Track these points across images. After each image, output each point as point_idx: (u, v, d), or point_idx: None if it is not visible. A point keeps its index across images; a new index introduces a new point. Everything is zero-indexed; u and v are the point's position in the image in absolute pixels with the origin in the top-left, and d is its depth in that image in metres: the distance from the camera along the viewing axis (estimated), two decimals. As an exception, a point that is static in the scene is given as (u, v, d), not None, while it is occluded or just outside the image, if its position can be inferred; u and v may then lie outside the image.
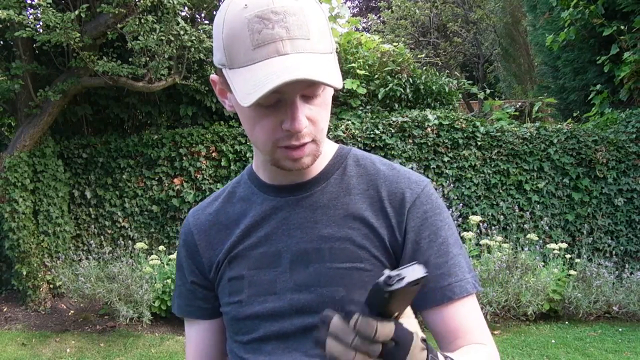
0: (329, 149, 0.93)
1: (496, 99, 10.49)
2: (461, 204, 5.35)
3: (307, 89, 0.77)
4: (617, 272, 5.13)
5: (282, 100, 0.77)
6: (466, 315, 0.87)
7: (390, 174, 0.91)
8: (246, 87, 0.73)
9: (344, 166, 0.93)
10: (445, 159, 5.39)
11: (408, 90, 6.00)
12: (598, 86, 6.81)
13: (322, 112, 0.81)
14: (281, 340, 0.87)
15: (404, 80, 5.96)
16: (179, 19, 4.62)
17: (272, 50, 0.73)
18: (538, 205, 5.42)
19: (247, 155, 5.39)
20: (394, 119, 5.41)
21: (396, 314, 0.63)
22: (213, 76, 0.86)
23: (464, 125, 5.43)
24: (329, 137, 1.12)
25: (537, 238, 5.00)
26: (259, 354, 0.88)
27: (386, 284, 0.60)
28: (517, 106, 9.23)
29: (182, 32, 4.63)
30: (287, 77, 0.70)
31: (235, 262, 0.91)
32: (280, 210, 0.90)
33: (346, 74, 5.93)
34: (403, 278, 0.60)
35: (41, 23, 4.46)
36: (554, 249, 4.90)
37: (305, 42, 0.74)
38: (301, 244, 0.88)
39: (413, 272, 0.61)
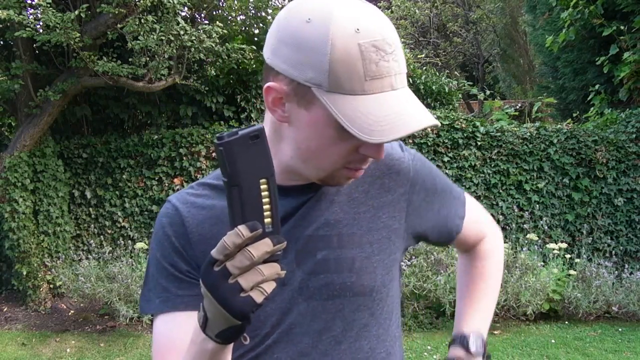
0: None
1: (496, 99, 10.48)
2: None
3: None
4: (617, 272, 5.13)
5: None
6: (473, 223, 1.04)
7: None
8: (366, 121, 0.72)
9: None
10: (445, 159, 5.39)
11: (408, 90, 5.99)
12: (597, 86, 6.82)
13: None
14: (287, 333, 0.85)
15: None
16: (179, 19, 4.61)
17: (387, 84, 0.73)
18: (538, 205, 5.42)
19: (247, 155, 5.39)
20: (394, 119, 5.41)
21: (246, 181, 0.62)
22: (273, 85, 0.77)
23: (464, 125, 5.43)
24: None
25: (537, 238, 5.00)
26: (260, 349, 0.86)
27: (218, 139, 0.58)
28: (517, 106, 9.23)
29: (182, 32, 4.63)
30: (422, 125, 0.74)
31: None
32: (285, 208, 0.88)
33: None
34: (237, 132, 0.58)
35: (41, 23, 4.46)
36: (553, 249, 4.90)
37: (404, 76, 0.77)
38: (307, 232, 0.87)
39: (249, 127, 0.60)
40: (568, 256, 5.02)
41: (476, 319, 1.06)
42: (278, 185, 0.88)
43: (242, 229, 0.63)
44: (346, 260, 0.86)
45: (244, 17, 5.81)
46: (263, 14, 5.69)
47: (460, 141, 5.40)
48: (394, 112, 0.72)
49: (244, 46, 5.23)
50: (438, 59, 14.36)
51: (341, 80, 0.72)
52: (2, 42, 5.42)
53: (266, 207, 0.64)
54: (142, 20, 4.44)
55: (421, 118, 0.75)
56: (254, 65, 5.51)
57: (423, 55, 11.71)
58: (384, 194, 0.90)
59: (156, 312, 0.87)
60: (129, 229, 5.55)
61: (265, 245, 0.63)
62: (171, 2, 4.39)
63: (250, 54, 5.26)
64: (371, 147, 0.77)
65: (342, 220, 0.88)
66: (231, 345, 0.72)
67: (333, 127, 0.75)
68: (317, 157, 0.80)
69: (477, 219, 1.07)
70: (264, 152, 0.63)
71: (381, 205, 0.90)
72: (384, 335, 0.89)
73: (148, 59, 4.81)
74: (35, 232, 5.09)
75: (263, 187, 0.63)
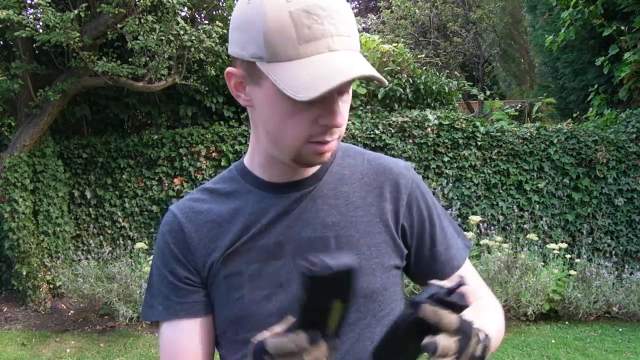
0: None
1: (496, 99, 10.49)
2: (461, 204, 5.35)
3: (346, 85, 0.78)
4: (617, 272, 5.13)
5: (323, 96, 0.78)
6: (468, 275, 0.94)
7: (380, 162, 0.95)
8: (300, 81, 0.73)
9: (336, 158, 0.94)
10: (445, 159, 5.39)
11: (408, 90, 6.00)
12: (597, 87, 6.81)
13: (346, 108, 0.82)
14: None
15: (404, 80, 5.96)
16: (179, 19, 4.61)
17: (323, 45, 0.74)
18: (538, 205, 5.42)
19: (247, 155, 5.39)
20: (394, 119, 5.41)
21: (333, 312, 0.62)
22: (230, 69, 0.83)
23: (464, 125, 5.43)
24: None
25: (537, 238, 5.00)
26: None
27: (308, 269, 0.58)
28: (517, 107, 9.23)
29: (182, 32, 4.62)
30: (354, 74, 0.72)
31: (231, 260, 0.87)
32: (280, 207, 0.89)
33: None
34: (330, 265, 0.58)
35: (41, 23, 4.46)
36: (554, 249, 4.90)
37: (349, 39, 0.76)
38: (304, 233, 0.87)
39: (340, 259, 0.59)
40: (568, 256, 5.01)
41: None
42: (270, 182, 0.90)
43: (303, 340, 0.63)
44: None
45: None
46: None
47: (461, 141, 5.40)
48: (328, 69, 0.73)
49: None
50: (438, 59, 14.36)
51: (277, 49, 0.74)
52: (2, 42, 5.42)
53: (334, 313, 0.64)
54: (142, 20, 4.43)
55: (353, 69, 0.73)
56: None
57: (423, 55, 11.71)
58: (382, 202, 0.90)
59: (160, 320, 0.90)
60: (128, 229, 5.55)
61: (319, 353, 0.64)
62: (171, 2, 4.39)
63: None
64: (326, 115, 0.78)
65: (339, 222, 0.88)
66: None
67: (285, 98, 0.76)
68: (281, 135, 0.81)
69: (477, 279, 0.99)
70: (350, 283, 0.62)
71: (379, 213, 0.90)
72: None
73: (148, 59, 4.80)
74: (35, 232, 5.08)
75: (337, 305, 0.63)
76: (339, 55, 0.74)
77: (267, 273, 0.86)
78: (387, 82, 0.77)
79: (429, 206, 0.94)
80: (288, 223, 0.87)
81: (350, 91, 0.82)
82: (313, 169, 0.91)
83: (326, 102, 0.77)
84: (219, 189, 0.93)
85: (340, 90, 0.78)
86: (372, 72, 0.74)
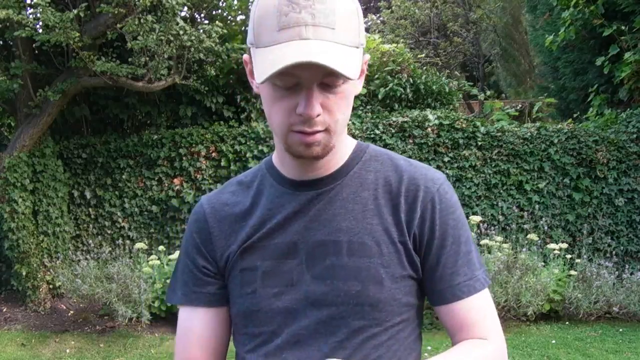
0: (348, 144, 0.94)
1: (496, 100, 10.48)
2: (461, 204, 5.34)
3: (326, 77, 0.78)
4: (617, 272, 5.13)
5: (300, 85, 0.78)
6: (473, 310, 0.89)
7: (408, 170, 0.92)
8: (263, 65, 0.76)
9: (362, 161, 0.93)
10: (446, 159, 5.38)
11: (408, 90, 5.99)
12: (597, 87, 6.81)
13: (339, 103, 0.81)
14: (293, 334, 0.86)
15: (404, 80, 5.96)
16: (178, 19, 4.60)
17: (295, 33, 0.75)
18: (538, 206, 5.41)
19: (247, 155, 5.38)
20: (394, 119, 5.41)
21: None
22: (245, 56, 0.87)
23: (464, 125, 5.42)
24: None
25: (537, 238, 4.99)
26: (269, 347, 0.87)
27: None
28: (518, 107, 9.23)
29: (181, 32, 4.62)
30: (298, 59, 0.73)
31: (248, 254, 0.90)
32: (297, 204, 0.90)
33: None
34: None
35: (40, 23, 4.45)
36: (554, 249, 4.89)
37: (329, 31, 0.76)
38: (318, 235, 0.87)
39: None
40: (569, 256, 5.01)
41: None
42: (288, 178, 0.91)
43: None
44: (353, 268, 0.85)
45: (243, 17, 5.80)
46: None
47: (461, 141, 5.39)
48: (281, 55, 0.74)
49: (244, 46, 5.22)
50: (438, 58, 14.34)
51: (261, 35, 0.78)
52: (1, 42, 5.41)
53: None
54: (142, 20, 4.43)
55: (309, 56, 0.73)
56: (254, 65, 5.46)
57: (423, 55, 11.70)
58: (399, 211, 0.89)
59: (178, 305, 0.96)
60: (128, 229, 5.55)
61: None
62: (170, 2, 4.38)
63: (250, 54, 5.25)
64: (302, 104, 0.78)
65: (353, 228, 0.88)
66: None
67: (267, 85, 0.80)
68: (271, 122, 0.84)
69: (487, 313, 0.91)
70: None
71: (395, 222, 0.88)
72: (395, 345, 0.88)
73: (148, 59, 4.80)
74: (35, 232, 5.08)
75: None
76: (304, 43, 0.74)
77: (279, 271, 0.88)
78: (353, 77, 0.76)
79: (446, 225, 0.90)
80: (304, 224, 0.88)
81: (344, 86, 0.81)
82: (332, 167, 0.91)
83: (302, 91, 0.78)
84: (247, 181, 0.97)
85: (325, 83, 0.78)
86: (329, 62, 0.73)
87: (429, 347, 4.19)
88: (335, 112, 0.81)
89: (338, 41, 0.76)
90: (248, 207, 0.93)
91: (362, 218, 0.88)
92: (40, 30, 4.57)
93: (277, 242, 0.89)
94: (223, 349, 0.97)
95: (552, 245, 4.95)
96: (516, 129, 5.56)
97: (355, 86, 0.85)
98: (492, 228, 5.27)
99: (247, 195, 0.95)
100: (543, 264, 4.82)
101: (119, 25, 4.56)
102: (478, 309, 0.90)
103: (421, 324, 0.94)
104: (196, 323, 0.94)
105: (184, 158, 5.44)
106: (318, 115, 0.79)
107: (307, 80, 0.77)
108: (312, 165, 0.89)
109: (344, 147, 0.92)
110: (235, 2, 5.57)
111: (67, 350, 4.39)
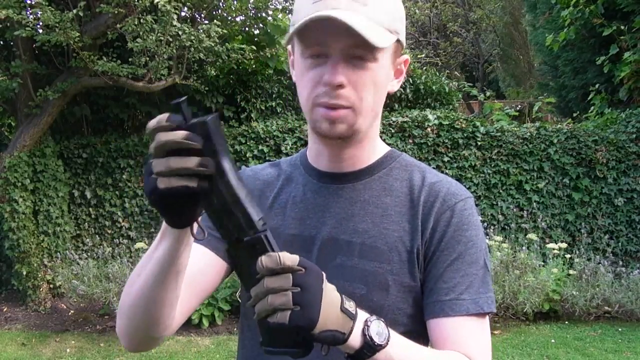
0: (379, 148, 0.95)
1: (496, 101, 10.48)
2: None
3: (352, 48, 0.79)
4: (616, 272, 5.13)
5: (328, 57, 0.80)
6: (460, 330, 0.84)
7: (433, 182, 0.91)
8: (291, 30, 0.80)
9: (390, 167, 0.93)
10: (445, 159, 5.39)
11: (408, 90, 6.00)
12: (597, 86, 6.81)
13: (366, 81, 0.82)
14: None
15: (404, 80, 5.95)
16: (174, 21, 4.58)
17: (328, 4, 0.78)
18: (538, 205, 5.42)
19: (247, 155, 5.39)
20: (394, 119, 5.41)
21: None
22: (289, 47, 0.90)
23: (464, 125, 5.43)
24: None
25: (536, 238, 5.00)
26: None
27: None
28: (517, 107, 9.23)
29: (180, 33, 4.61)
30: (319, 14, 0.75)
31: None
32: (319, 196, 0.91)
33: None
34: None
35: (41, 23, 4.46)
36: (553, 249, 4.90)
37: (361, 6, 0.78)
38: (333, 233, 0.88)
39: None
40: (568, 256, 5.01)
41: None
42: (314, 168, 0.94)
43: (163, 118, 0.68)
44: (361, 271, 0.86)
45: (243, 18, 5.80)
46: (263, 14, 5.68)
47: (461, 141, 5.40)
48: (307, 17, 0.77)
49: (243, 46, 5.22)
50: (438, 59, 14.35)
51: (299, 12, 0.81)
52: (2, 42, 5.41)
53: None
54: (141, 20, 4.43)
55: (335, 13, 0.75)
56: (254, 66, 5.49)
57: (423, 55, 11.71)
58: (416, 221, 0.88)
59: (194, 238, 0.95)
60: (128, 229, 5.55)
61: (174, 135, 0.66)
62: (165, 7, 4.37)
63: (250, 54, 5.26)
64: (327, 73, 0.80)
65: (369, 230, 0.88)
66: (186, 245, 0.77)
67: (299, 59, 0.83)
68: (301, 99, 0.86)
69: (479, 339, 0.85)
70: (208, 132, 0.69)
71: (411, 230, 0.88)
72: None
73: (148, 59, 4.80)
74: (35, 232, 5.08)
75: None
76: (334, 11, 0.76)
77: None
78: (376, 43, 0.76)
79: (454, 240, 0.87)
80: (323, 219, 0.90)
81: (374, 68, 0.81)
82: (359, 164, 0.92)
83: (328, 61, 0.80)
84: (281, 165, 1.01)
85: (353, 54, 0.79)
86: (349, 21, 0.74)
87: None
88: (361, 90, 0.81)
89: (369, 16, 0.78)
90: (274, 190, 0.96)
91: (380, 222, 0.88)
92: (41, 31, 4.57)
93: (295, 233, 0.90)
94: (199, 289, 0.91)
95: (551, 245, 4.96)
96: (516, 129, 5.57)
97: (388, 76, 0.86)
98: (492, 228, 5.28)
99: (278, 177, 0.98)
100: (542, 263, 4.82)
101: (119, 26, 4.56)
102: (469, 332, 0.84)
103: (428, 343, 0.88)
104: (194, 254, 0.87)
105: (184, 158, 5.43)
106: (341, 85, 0.79)
107: (333, 49, 0.79)
108: (338, 153, 0.90)
109: (373, 148, 0.93)
110: (236, 3, 5.57)
111: (68, 350, 4.39)
